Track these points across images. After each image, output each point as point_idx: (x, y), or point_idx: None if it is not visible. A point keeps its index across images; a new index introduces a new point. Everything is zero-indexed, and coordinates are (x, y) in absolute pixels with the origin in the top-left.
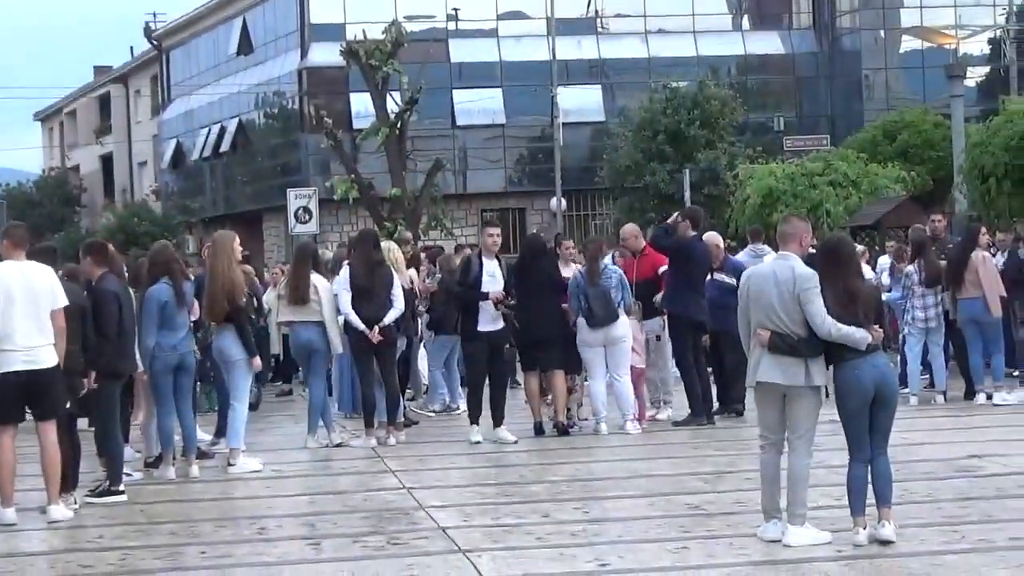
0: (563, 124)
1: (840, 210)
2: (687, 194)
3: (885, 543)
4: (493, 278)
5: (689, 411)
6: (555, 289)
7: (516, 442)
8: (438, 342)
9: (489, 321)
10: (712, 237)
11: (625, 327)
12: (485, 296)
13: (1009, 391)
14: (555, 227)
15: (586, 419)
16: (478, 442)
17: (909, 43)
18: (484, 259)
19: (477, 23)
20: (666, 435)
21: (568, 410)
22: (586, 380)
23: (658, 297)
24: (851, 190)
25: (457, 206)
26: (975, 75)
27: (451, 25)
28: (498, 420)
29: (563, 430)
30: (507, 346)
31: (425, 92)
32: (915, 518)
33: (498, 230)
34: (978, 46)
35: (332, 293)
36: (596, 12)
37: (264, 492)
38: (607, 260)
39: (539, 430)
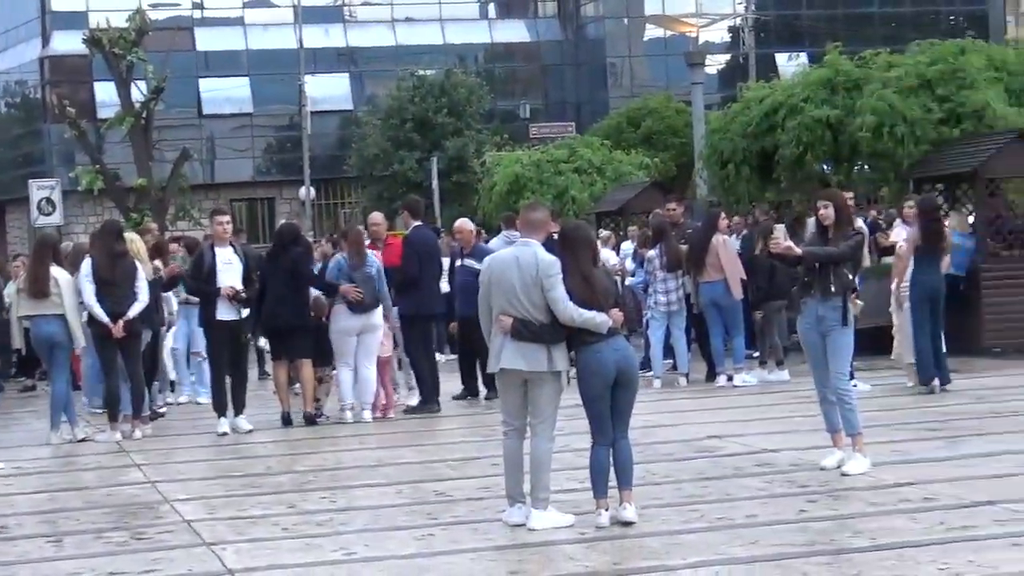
0: (311, 113)
1: (585, 196)
2: (435, 182)
3: (627, 524)
4: (230, 265)
5: (420, 398)
6: (303, 278)
7: (251, 431)
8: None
9: (228, 310)
10: (463, 223)
11: (380, 316)
12: (218, 292)
13: (749, 372)
14: (305, 216)
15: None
16: (225, 433)
17: (652, 31)
18: (217, 248)
19: (223, 11)
20: (414, 423)
21: (317, 400)
22: (334, 369)
23: None
24: (596, 176)
25: (205, 196)
26: (715, 63)
27: (196, 13)
28: (238, 408)
29: (311, 420)
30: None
31: (171, 81)
32: (656, 498)
33: (227, 217)
34: (719, 34)
35: (73, 286)
36: (343, 0)
37: (4, 490)
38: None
39: (287, 420)
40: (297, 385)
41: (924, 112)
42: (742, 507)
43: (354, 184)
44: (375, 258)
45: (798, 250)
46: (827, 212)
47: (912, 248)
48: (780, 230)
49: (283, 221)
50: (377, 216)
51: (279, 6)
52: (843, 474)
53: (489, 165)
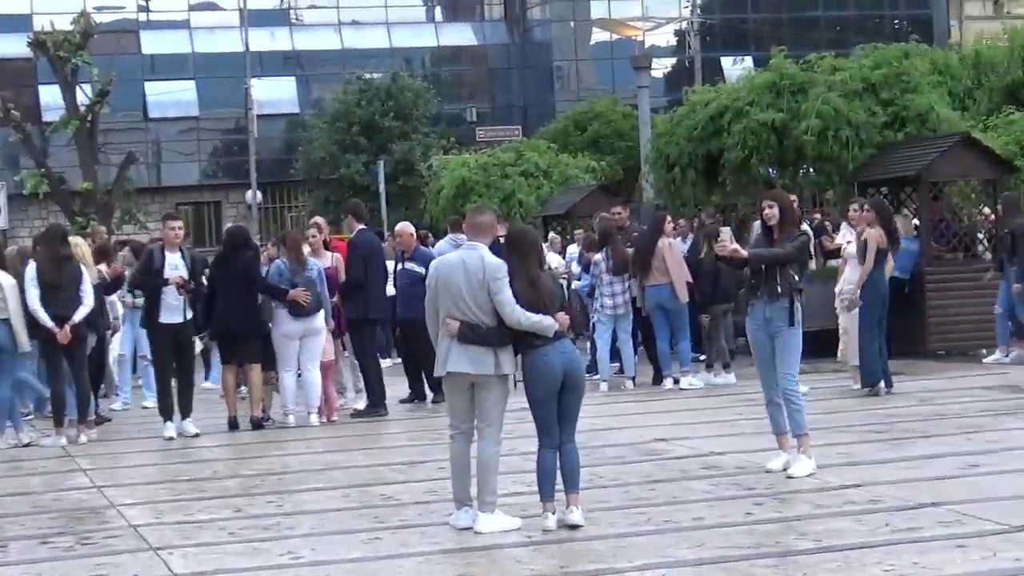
0: (257, 116)
1: (532, 200)
2: (382, 185)
3: (574, 527)
4: (176, 270)
5: (367, 402)
6: (252, 282)
7: (198, 435)
8: None
9: (171, 312)
10: (403, 226)
11: (322, 319)
12: (166, 282)
13: (695, 375)
14: (251, 220)
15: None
16: (171, 438)
17: (599, 35)
18: (167, 252)
19: (168, 14)
20: (361, 427)
21: (263, 402)
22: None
23: None
24: (543, 180)
25: (151, 199)
26: (661, 66)
27: (142, 16)
28: (184, 412)
29: (257, 424)
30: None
31: (116, 84)
32: (603, 502)
33: (180, 222)
34: (665, 38)
35: (17, 290)
36: (289, 3)
37: None
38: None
39: (234, 424)
40: (244, 389)
41: (868, 115)
42: (689, 510)
43: (301, 188)
44: (315, 261)
45: (744, 252)
46: (772, 212)
47: (875, 250)
48: (726, 233)
49: (231, 224)
50: (318, 220)
51: (225, 9)
52: (789, 476)
53: (436, 169)
